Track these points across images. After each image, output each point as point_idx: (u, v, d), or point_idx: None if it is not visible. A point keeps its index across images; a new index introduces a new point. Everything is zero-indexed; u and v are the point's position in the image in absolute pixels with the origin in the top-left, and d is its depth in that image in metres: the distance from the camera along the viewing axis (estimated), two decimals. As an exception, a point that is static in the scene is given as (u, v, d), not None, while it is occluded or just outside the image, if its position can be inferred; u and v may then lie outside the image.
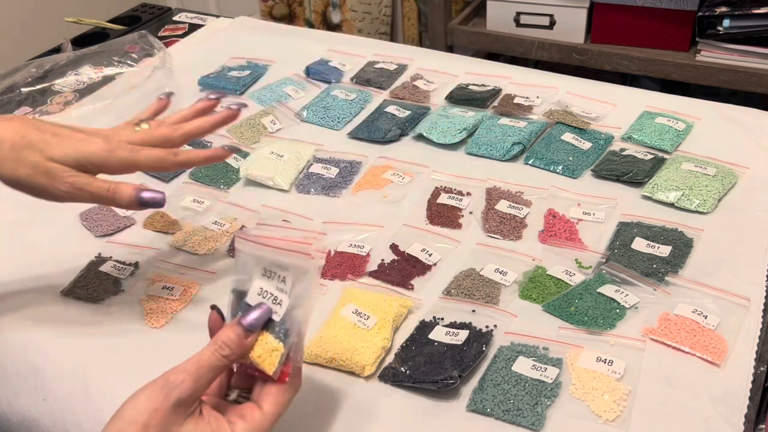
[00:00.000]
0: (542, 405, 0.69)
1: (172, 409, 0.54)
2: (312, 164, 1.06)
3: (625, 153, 1.03)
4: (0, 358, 0.80)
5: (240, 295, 0.61)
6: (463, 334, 0.77)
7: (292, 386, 0.61)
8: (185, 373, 0.56)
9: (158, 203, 0.73)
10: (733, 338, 0.75)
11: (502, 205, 0.95)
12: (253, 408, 0.59)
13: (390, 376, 0.74)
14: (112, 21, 1.57)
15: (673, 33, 1.77)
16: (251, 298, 0.60)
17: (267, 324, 0.60)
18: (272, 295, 0.60)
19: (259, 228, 0.62)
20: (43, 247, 0.94)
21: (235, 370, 0.63)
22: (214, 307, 0.62)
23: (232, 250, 0.91)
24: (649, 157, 1.01)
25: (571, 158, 1.02)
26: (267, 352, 0.59)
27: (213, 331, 0.62)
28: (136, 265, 0.90)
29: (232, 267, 0.89)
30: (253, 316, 0.59)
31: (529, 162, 1.03)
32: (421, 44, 2.60)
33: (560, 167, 1.01)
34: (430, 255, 0.89)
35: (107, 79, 1.30)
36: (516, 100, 1.16)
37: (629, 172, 0.98)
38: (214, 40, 1.44)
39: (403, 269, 0.87)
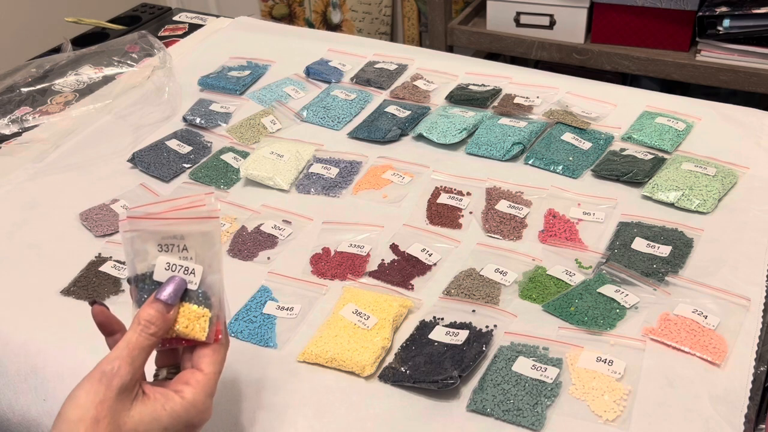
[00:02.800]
0: (542, 405, 0.69)
1: (117, 396, 0.54)
2: (312, 164, 1.06)
3: (625, 153, 1.03)
4: (0, 358, 0.80)
5: (138, 279, 0.61)
6: (463, 334, 0.77)
7: (224, 343, 0.61)
8: (119, 360, 0.55)
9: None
10: (733, 338, 0.75)
11: (502, 205, 0.95)
12: (194, 372, 0.59)
13: (390, 376, 0.74)
14: (112, 21, 1.57)
15: (673, 33, 1.77)
16: (159, 275, 0.60)
17: (184, 295, 0.60)
18: (181, 266, 0.60)
19: (138, 207, 0.61)
20: (43, 247, 0.94)
21: (156, 351, 0.62)
22: (94, 302, 0.61)
23: (232, 250, 0.91)
24: (649, 157, 1.01)
25: (571, 158, 1.02)
26: (193, 321, 0.60)
27: (104, 326, 0.61)
28: (136, 265, 0.90)
29: (233, 267, 0.89)
30: (169, 290, 0.59)
31: (529, 162, 1.03)
32: (421, 44, 2.60)
33: (560, 167, 1.01)
34: (430, 255, 0.89)
35: (107, 79, 1.30)
36: (516, 100, 1.16)
37: (629, 172, 0.98)
38: (214, 40, 1.44)
39: (403, 269, 0.87)
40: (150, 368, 0.61)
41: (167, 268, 0.60)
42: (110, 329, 0.61)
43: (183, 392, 0.57)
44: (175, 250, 0.60)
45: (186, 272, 0.60)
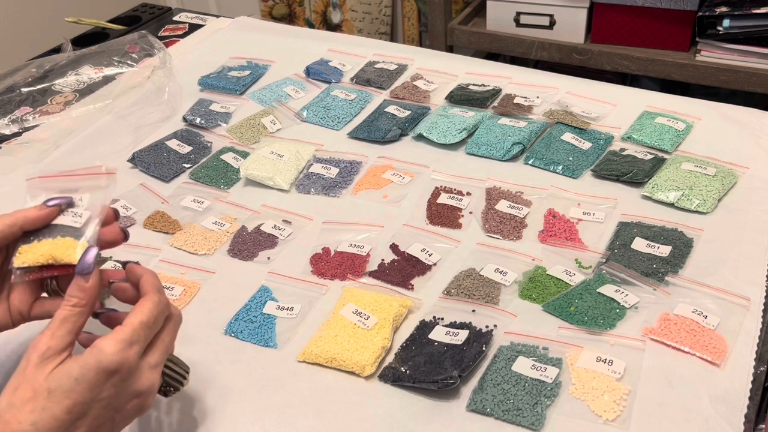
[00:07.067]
0: (542, 405, 0.69)
1: (36, 366, 0.56)
2: (312, 164, 1.06)
3: (625, 153, 1.03)
4: (0, 358, 0.80)
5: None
6: (463, 334, 0.77)
7: (149, 292, 0.63)
8: (42, 333, 0.58)
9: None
10: (733, 338, 0.75)
11: (502, 205, 0.95)
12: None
13: (390, 376, 0.74)
14: (112, 21, 1.57)
15: (673, 33, 1.77)
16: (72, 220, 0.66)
17: (65, 232, 0.65)
18: (76, 214, 0.66)
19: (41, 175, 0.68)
20: (43, 247, 0.94)
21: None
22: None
23: (232, 250, 0.91)
24: (649, 157, 1.01)
25: (571, 158, 1.03)
26: (69, 249, 0.64)
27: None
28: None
29: (232, 267, 0.89)
30: (85, 261, 0.62)
31: (529, 162, 1.03)
32: (421, 44, 2.60)
33: (560, 167, 1.01)
34: (430, 255, 0.89)
35: (107, 79, 1.30)
36: (516, 100, 1.16)
37: (629, 172, 0.98)
38: (214, 40, 1.44)
39: (403, 269, 0.87)
40: None
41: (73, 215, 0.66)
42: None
43: (95, 343, 0.58)
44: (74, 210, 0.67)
45: (75, 215, 0.66)
